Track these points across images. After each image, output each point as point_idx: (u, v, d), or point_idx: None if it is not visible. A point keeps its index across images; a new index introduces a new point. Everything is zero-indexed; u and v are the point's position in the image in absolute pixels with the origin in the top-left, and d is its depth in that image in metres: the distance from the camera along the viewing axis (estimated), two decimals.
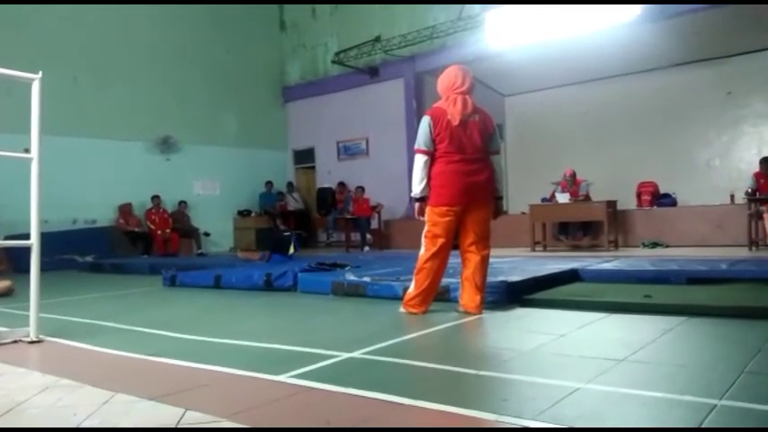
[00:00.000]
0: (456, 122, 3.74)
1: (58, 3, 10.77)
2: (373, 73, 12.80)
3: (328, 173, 13.81)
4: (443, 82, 3.90)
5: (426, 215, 3.84)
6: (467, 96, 3.82)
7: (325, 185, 13.47)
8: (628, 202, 10.25)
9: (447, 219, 3.76)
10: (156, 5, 12.17)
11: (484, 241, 3.86)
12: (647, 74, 11.43)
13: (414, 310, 3.84)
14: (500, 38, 10.39)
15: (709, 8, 9.07)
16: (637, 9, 9.17)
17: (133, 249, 11.08)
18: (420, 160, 3.81)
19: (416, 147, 3.84)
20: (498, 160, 3.97)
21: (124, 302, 5.39)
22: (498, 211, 4.03)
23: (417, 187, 3.84)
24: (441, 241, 3.78)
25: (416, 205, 3.92)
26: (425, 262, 3.80)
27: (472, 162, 3.77)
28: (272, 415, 2.00)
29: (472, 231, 3.83)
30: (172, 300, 5.51)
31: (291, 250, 7.95)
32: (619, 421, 1.81)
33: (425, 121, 3.81)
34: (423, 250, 3.83)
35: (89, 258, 9.72)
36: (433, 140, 3.77)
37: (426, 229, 3.83)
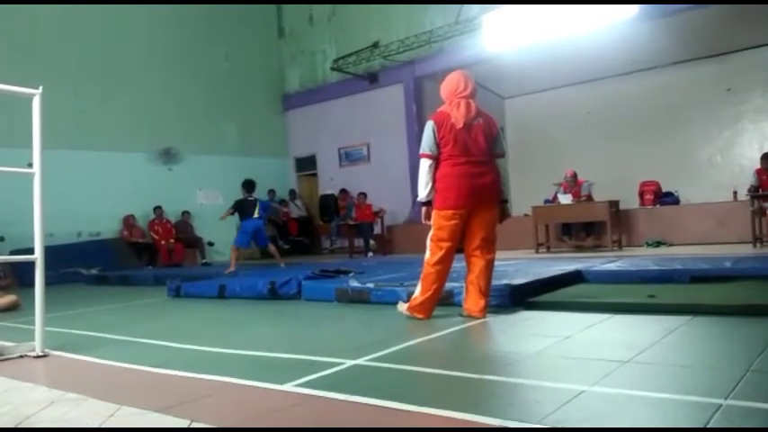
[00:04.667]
0: (460, 125, 3.74)
1: (66, 3, 10.85)
2: (372, 79, 12.83)
3: (330, 179, 13.83)
4: (446, 87, 3.91)
5: (432, 219, 3.84)
6: (470, 100, 3.82)
7: (328, 192, 13.49)
8: (630, 201, 10.23)
9: (453, 222, 3.75)
10: (153, 15, 12.24)
11: (489, 245, 3.85)
12: (646, 72, 11.42)
13: (418, 316, 3.83)
14: (498, 40, 10.41)
15: (707, 6, 9.08)
16: (634, 8, 9.18)
17: (138, 261, 11.10)
18: (425, 164, 3.81)
19: (421, 151, 3.84)
20: (503, 164, 3.97)
21: (129, 314, 5.41)
22: (504, 215, 4.00)
23: (423, 191, 3.84)
24: (446, 245, 3.76)
25: (423, 209, 3.91)
26: (432, 266, 3.78)
27: (477, 165, 3.77)
28: (277, 424, 2.00)
29: (478, 235, 3.81)
30: (176, 311, 5.52)
31: (256, 214, 8.56)
32: (624, 423, 1.81)
33: (429, 125, 3.81)
34: (428, 254, 3.82)
35: (94, 271, 9.75)
36: (438, 144, 3.77)
37: (432, 232, 3.82)
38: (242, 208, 8.64)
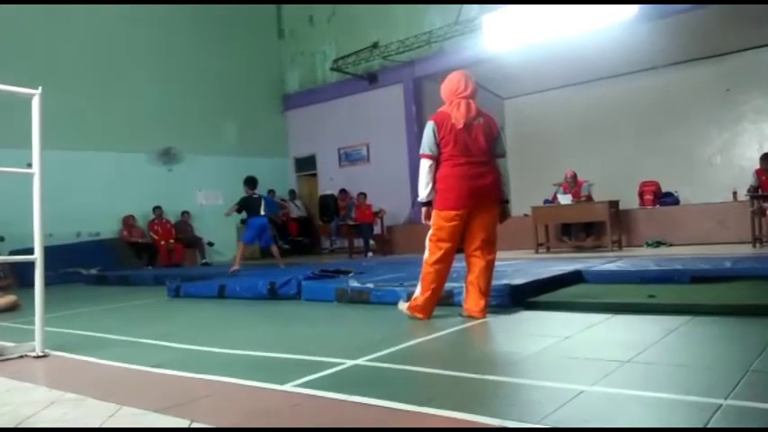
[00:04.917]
0: (460, 126, 3.74)
1: (66, 3, 10.87)
2: (372, 79, 12.83)
3: (330, 180, 13.84)
4: (447, 87, 3.91)
5: (432, 219, 3.84)
6: (470, 101, 3.82)
7: (327, 192, 13.49)
8: (630, 201, 10.24)
9: (453, 223, 3.74)
10: (153, 16, 12.24)
11: (490, 246, 3.85)
12: (645, 73, 11.43)
13: (418, 316, 3.83)
14: (497, 41, 10.42)
15: (706, 6, 9.09)
16: (634, 8, 9.19)
17: (137, 261, 11.10)
18: (425, 165, 3.81)
19: (421, 151, 3.84)
20: (504, 164, 3.97)
21: (129, 315, 5.41)
22: (504, 215, 4.00)
23: (423, 192, 3.84)
24: (446, 246, 3.76)
25: (423, 210, 3.91)
26: (431, 266, 3.78)
27: (478, 165, 3.76)
28: (277, 424, 2.00)
29: (478, 236, 3.81)
30: (176, 311, 5.52)
31: (262, 212, 8.55)
32: (624, 423, 1.81)
33: (429, 125, 3.81)
34: (427, 254, 3.82)
35: (94, 271, 9.75)
36: (438, 144, 3.77)
37: (431, 232, 3.82)
38: (248, 206, 8.59)
